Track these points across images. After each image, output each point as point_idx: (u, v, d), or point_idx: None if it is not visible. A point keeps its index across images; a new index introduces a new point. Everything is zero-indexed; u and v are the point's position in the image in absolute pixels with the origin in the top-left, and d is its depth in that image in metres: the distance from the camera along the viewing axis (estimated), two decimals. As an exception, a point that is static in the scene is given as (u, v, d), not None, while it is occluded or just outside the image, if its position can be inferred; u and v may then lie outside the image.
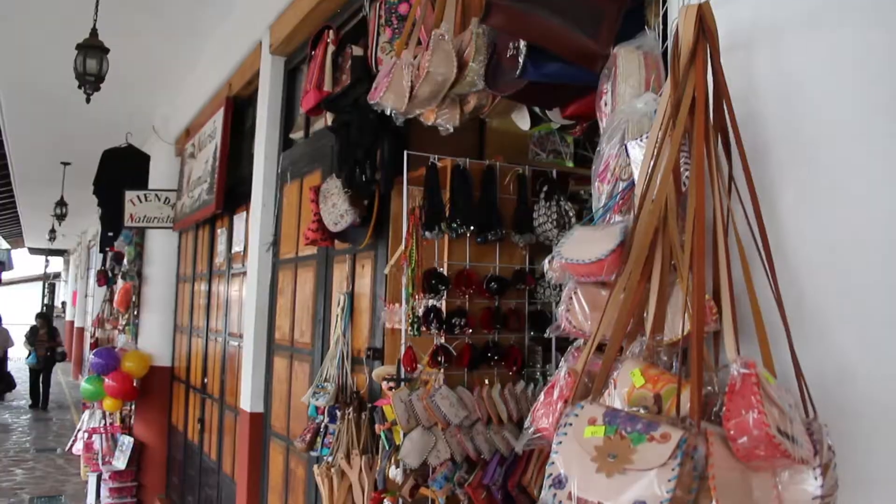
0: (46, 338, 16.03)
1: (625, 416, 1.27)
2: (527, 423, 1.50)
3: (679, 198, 1.52)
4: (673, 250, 1.48)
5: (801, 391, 1.44)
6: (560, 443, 1.29)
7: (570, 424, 1.30)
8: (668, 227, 1.49)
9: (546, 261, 1.66)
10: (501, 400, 3.12)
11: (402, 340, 3.05)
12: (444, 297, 3.10)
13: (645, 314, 1.50)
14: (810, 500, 1.31)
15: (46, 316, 17.73)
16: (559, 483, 1.25)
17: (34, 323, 16.56)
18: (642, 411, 1.32)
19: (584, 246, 1.56)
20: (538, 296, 3.32)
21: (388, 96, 2.82)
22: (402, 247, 3.07)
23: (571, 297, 1.60)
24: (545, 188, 3.32)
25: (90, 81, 5.17)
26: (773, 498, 1.32)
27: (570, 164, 3.93)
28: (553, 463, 1.28)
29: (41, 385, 15.24)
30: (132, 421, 8.35)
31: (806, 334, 1.49)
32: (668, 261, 1.49)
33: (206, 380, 6.79)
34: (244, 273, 5.59)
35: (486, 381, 3.15)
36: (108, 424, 8.40)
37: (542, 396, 1.49)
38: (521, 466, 3.15)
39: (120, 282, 8.66)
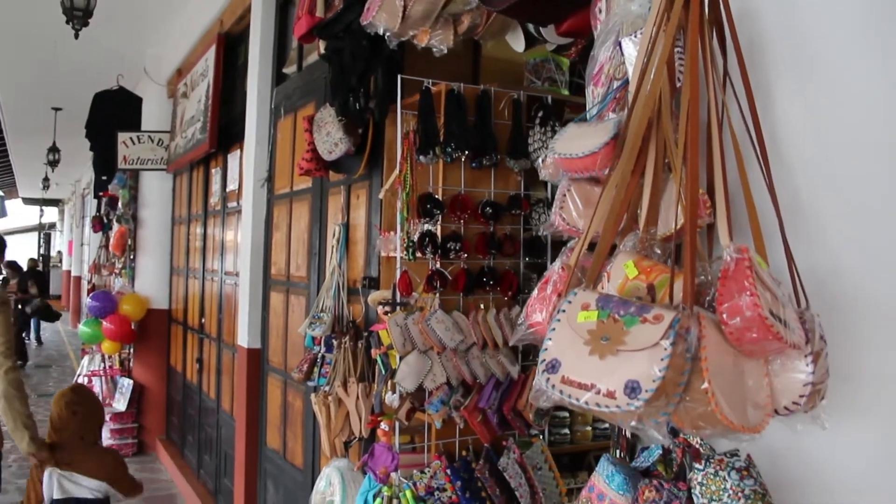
0: (17, 289, 13.66)
1: (618, 301, 1.27)
2: (520, 319, 1.50)
3: (674, 92, 1.51)
4: (667, 145, 1.47)
5: (793, 283, 1.44)
6: (553, 329, 1.30)
7: (564, 311, 1.31)
8: (662, 122, 1.48)
9: (539, 159, 1.65)
10: (497, 324, 3.13)
11: (398, 265, 3.04)
12: (439, 221, 3.09)
13: (638, 210, 1.49)
14: (801, 387, 1.32)
15: (15, 265, 14.99)
16: (552, 367, 1.26)
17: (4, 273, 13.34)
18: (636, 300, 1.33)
19: (577, 141, 1.55)
20: (533, 222, 3.32)
21: (380, 16, 2.78)
22: (397, 171, 3.05)
23: (565, 195, 1.60)
24: (540, 114, 3.29)
25: (78, 17, 5.10)
26: (764, 385, 1.33)
27: (566, 92, 3.89)
28: (546, 349, 1.29)
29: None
30: (131, 364, 8.40)
31: (799, 230, 1.49)
32: (661, 155, 1.48)
33: (203, 320, 6.82)
34: (239, 211, 5.58)
35: (482, 306, 3.16)
36: (107, 367, 8.46)
37: (535, 292, 1.50)
38: (517, 391, 3.18)
39: (115, 226, 8.64)
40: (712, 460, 1.41)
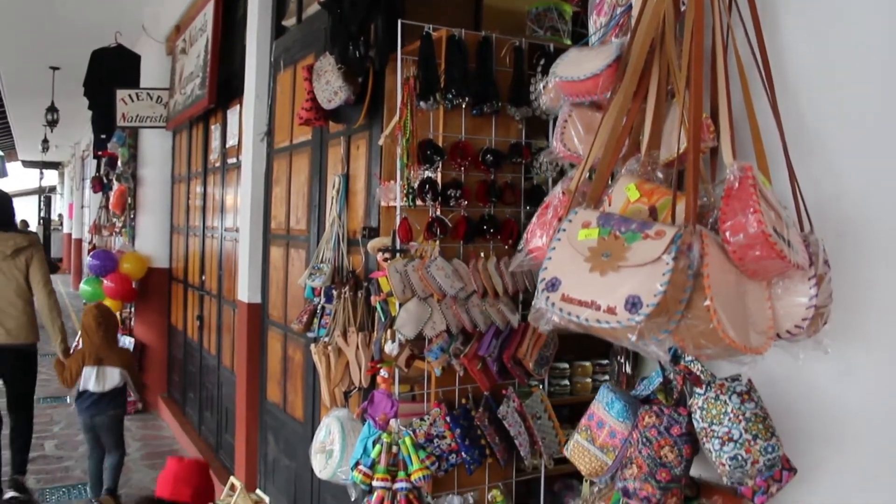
0: None
1: (619, 219, 1.25)
2: (520, 245, 1.49)
3: (678, 16, 1.48)
4: (670, 69, 1.44)
5: (797, 208, 1.42)
6: (553, 248, 1.28)
7: (564, 230, 1.29)
8: (665, 45, 1.45)
9: (541, 86, 1.62)
10: (497, 273, 3.12)
11: (398, 213, 3.02)
12: (440, 168, 3.06)
13: (641, 136, 1.47)
14: (804, 310, 1.31)
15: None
16: (552, 286, 1.24)
17: None
18: (637, 222, 1.31)
19: (578, 64, 1.52)
20: (534, 170, 3.29)
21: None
22: (397, 117, 3.02)
23: (566, 121, 1.57)
24: (542, 62, 3.24)
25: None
26: (766, 309, 1.31)
27: (568, 42, 3.84)
28: (546, 268, 1.27)
29: None
30: (132, 322, 8.42)
31: (804, 156, 1.47)
32: (664, 80, 1.46)
33: (203, 277, 6.82)
34: (239, 167, 5.54)
35: (482, 254, 3.14)
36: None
37: (535, 218, 1.48)
38: (517, 339, 3.18)
39: (115, 185, 8.60)
40: (713, 385, 1.40)
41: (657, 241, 1.18)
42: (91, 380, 4.98)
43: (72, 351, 5.34)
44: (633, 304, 1.14)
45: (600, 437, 1.50)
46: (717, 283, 1.18)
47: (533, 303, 1.28)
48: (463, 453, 3.05)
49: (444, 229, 3.05)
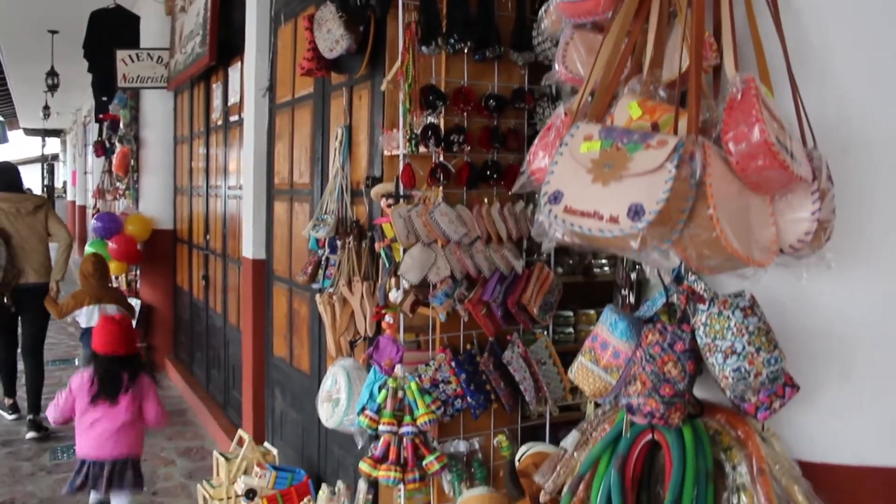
0: None
1: (621, 131, 1.25)
2: (523, 167, 1.49)
3: (681, -68, 1.46)
4: (673, -13, 1.43)
5: (800, 124, 1.41)
6: (556, 162, 1.28)
7: (566, 144, 1.29)
8: (668, -38, 1.43)
9: (542, 10, 1.61)
10: (501, 218, 3.11)
11: (400, 157, 3.02)
12: (442, 113, 3.05)
13: (643, 57, 1.46)
14: (807, 224, 1.31)
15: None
16: (555, 199, 1.24)
17: None
18: (640, 138, 1.30)
19: (580, -17, 1.51)
20: (537, 116, 3.27)
21: None
22: (399, 62, 3.00)
23: (567, 43, 1.56)
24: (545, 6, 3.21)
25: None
26: (769, 224, 1.32)
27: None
28: (548, 182, 1.27)
29: None
30: (138, 285, 8.45)
31: (808, 73, 1.46)
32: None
33: (208, 237, 6.83)
34: (241, 124, 5.53)
35: (485, 200, 3.14)
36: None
37: (538, 140, 1.47)
38: (521, 285, 3.18)
39: (118, 147, 8.58)
40: (716, 301, 1.41)
41: (659, 150, 1.18)
42: (94, 316, 5.80)
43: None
44: (635, 213, 1.14)
45: (604, 357, 1.52)
46: (719, 193, 1.18)
47: (535, 216, 1.28)
48: (468, 398, 3.08)
49: (448, 175, 3.04)
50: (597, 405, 1.79)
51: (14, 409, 6.56)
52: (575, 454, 1.64)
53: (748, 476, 1.45)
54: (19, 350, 6.46)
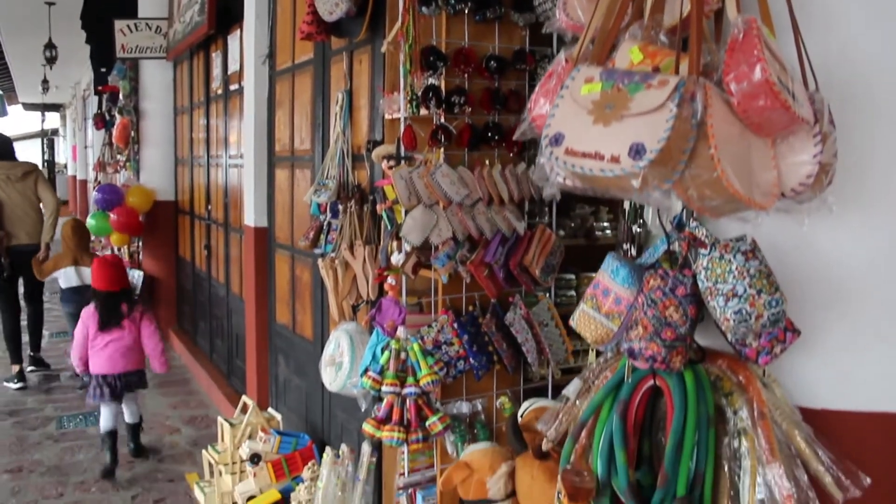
0: None
1: (622, 72, 1.25)
2: (524, 115, 1.49)
3: None
4: (675, -70, 1.42)
5: (802, 68, 1.41)
6: (557, 105, 1.28)
7: (567, 87, 1.29)
8: None
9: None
10: (502, 180, 3.11)
11: (401, 119, 3.01)
12: (443, 75, 3.04)
13: (644, 3, 1.45)
14: (809, 167, 1.31)
15: None
16: (556, 141, 1.24)
17: None
18: (641, 81, 1.30)
19: (581, -72, 1.50)
20: (538, 78, 3.25)
21: None
22: (399, 23, 2.98)
23: (568, -9, 1.55)
24: (545, -34, 3.18)
25: None
26: (771, 168, 1.32)
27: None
28: (549, 124, 1.27)
29: None
30: (140, 256, 8.46)
31: (810, 15, 1.45)
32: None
33: (209, 207, 6.83)
34: (242, 92, 5.51)
35: (487, 162, 3.13)
36: (116, 260, 8.53)
37: (539, 87, 1.47)
38: (523, 247, 3.18)
39: (118, 118, 8.56)
40: (717, 245, 1.41)
41: (660, 90, 1.17)
42: (72, 276, 6.38)
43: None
44: (636, 151, 1.14)
45: (606, 304, 1.52)
46: (720, 133, 1.18)
47: (536, 160, 1.28)
48: (471, 359, 3.09)
49: (449, 136, 3.04)
50: (598, 353, 1.80)
51: (20, 377, 6.81)
52: (577, 402, 1.66)
53: (749, 420, 1.46)
54: (22, 303, 7.04)
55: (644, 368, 1.49)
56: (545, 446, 1.72)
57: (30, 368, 7.00)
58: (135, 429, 5.18)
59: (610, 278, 1.52)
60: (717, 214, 1.29)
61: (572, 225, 3.77)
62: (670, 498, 1.44)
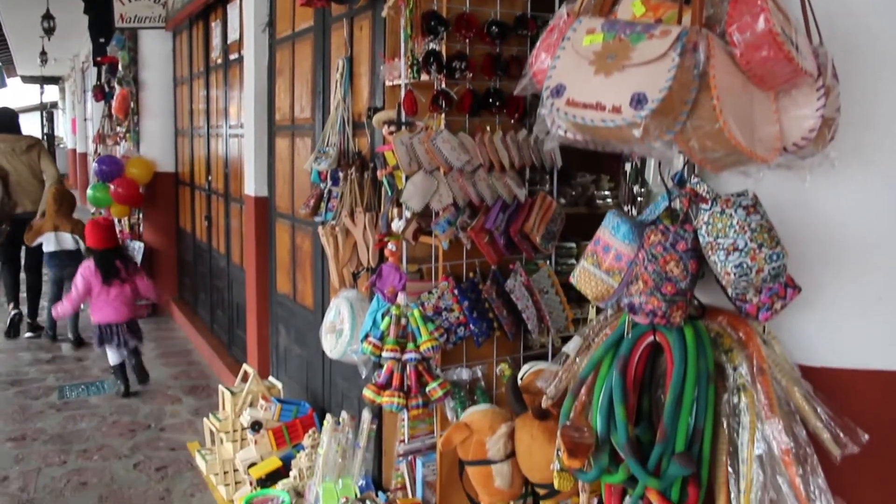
0: None
1: (624, 23, 1.24)
2: (525, 70, 1.47)
3: None
4: None
5: (806, 20, 1.39)
6: (558, 57, 1.27)
7: (568, 38, 1.28)
8: None
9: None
10: (503, 146, 3.10)
11: (402, 84, 2.99)
12: (444, 40, 3.01)
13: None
14: (811, 121, 1.30)
15: None
16: (557, 92, 1.23)
17: None
18: (643, 34, 1.29)
19: None
20: (540, 43, 3.23)
21: None
22: (399, -14, 2.96)
23: (571, -57, 1.53)
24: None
25: None
26: (773, 122, 1.31)
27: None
28: (550, 76, 1.26)
29: None
30: (141, 228, 8.46)
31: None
32: None
33: (210, 178, 6.82)
34: (241, 61, 5.47)
35: (488, 128, 3.12)
36: (117, 232, 8.52)
37: (540, 42, 1.46)
38: (524, 213, 3.17)
39: (117, 89, 8.51)
40: (719, 200, 1.41)
41: (662, 40, 1.17)
42: (51, 241, 6.83)
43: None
44: (638, 101, 1.14)
45: (606, 260, 1.52)
46: (723, 84, 1.17)
47: (538, 111, 1.27)
48: (471, 325, 3.09)
49: (450, 102, 3.02)
50: (598, 310, 1.80)
51: (17, 317, 7.51)
52: (577, 359, 1.66)
53: (748, 376, 1.46)
54: (22, 270, 7.58)
55: (644, 324, 1.49)
56: (544, 403, 1.72)
57: (27, 334, 7.40)
58: (137, 354, 5.84)
59: (611, 234, 1.52)
60: (718, 168, 1.28)
61: (573, 193, 3.75)
62: (669, 453, 1.45)
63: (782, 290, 1.43)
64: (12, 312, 7.48)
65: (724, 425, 1.51)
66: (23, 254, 7.49)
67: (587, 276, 1.56)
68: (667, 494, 1.48)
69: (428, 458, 3.29)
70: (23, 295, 7.58)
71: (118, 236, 6.03)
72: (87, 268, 5.58)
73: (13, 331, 7.40)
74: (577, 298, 3.93)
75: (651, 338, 1.50)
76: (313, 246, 4.36)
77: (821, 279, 1.52)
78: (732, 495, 1.51)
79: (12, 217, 7.15)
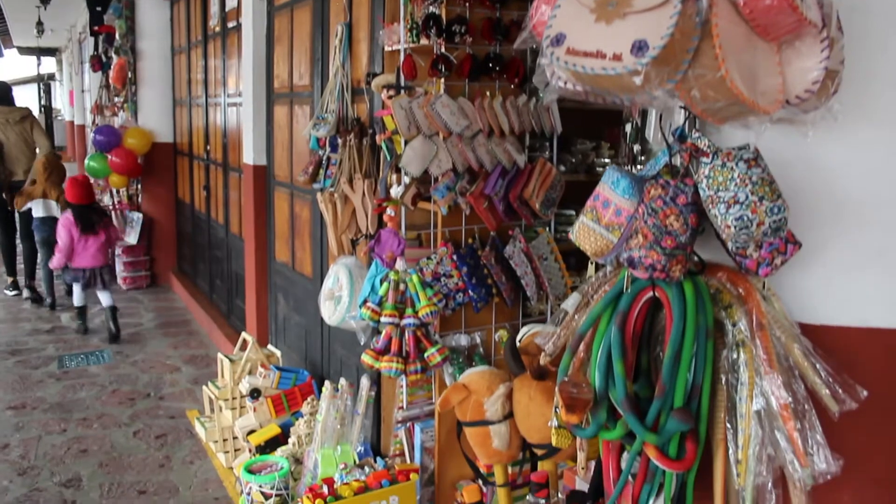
0: None
1: (627, -30, 1.22)
2: (524, 23, 1.46)
3: None
4: None
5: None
6: (559, 6, 1.25)
7: (570, -13, 1.26)
8: None
9: None
10: (503, 112, 3.08)
11: (401, 49, 2.97)
12: (444, 3, 2.98)
13: None
14: (815, 73, 1.29)
15: None
16: (557, 41, 1.22)
17: None
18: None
19: None
20: (541, 8, 3.20)
21: None
22: (398, -52, 2.93)
23: None
24: None
25: None
26: (776, 73, 1.29)
27: None
28: (550, 25, 1.25)
29: None
30: (139, 199, 8.44)
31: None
32: None
33: (208, 147, 6.79)
34: (240, 29, 5.43)
35: (487, 93, 3.10)
36: (116, 202, 8.50)
37: (541, -6, 1.44)
38: (523, 179, 3.16)
39: (114, 59, 8.45)
40: (720, 153, 1.39)
41: (665, -14, 1.15)
42: (40, 207, 7.15)
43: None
44: (639, 48, 1.12)
45: (606, 216, 1.51)
46: (725, 33, 1.15)
47: (537, 61, 1.26)
48: (470, 291, 3.09)
49: (449, 66, 3.00)
50: (598, 267, 1.80)
51: (14, 286, 7.92)
52: (575, 316, 1.65)
53: (748, 331, 1.46)
54: (17, 237, 7.91)
55: (643, 278, 1.48)
56: (542, 360, 1.72)
57: (25, 295, 7.77)
58: (113, 311, 6.39)
59: (610, 189, 1.51)
60: (720, 119, 1.27)
61: (573, 160, 3.74)
62: (667, 409, 1.45)
63: (783, 245, 1.42)
64: (9, 282, 7.92)
65: (723, 382, 1.51)
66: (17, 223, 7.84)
67: (586, 231, 1.55)
68: (665, 450, 1.48)
69: (426, 425, 3.30)
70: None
71: (94, 193, 6.59)
72: (66, 219, 6.23)
73: (14, 287, 7.89)
74: (576, 266, 3.94)
75: (650, 293, 1.49)
76: (312, 214, 4.34)
77: (822, 235, 1.51)
78: (730, 451, 1.51)
79: (9, 184, 7.52)
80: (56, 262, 6.33)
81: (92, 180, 8.58)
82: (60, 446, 4.41)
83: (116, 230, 6.83)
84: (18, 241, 7.90)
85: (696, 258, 1.54)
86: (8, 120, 7.55)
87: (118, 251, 8.05)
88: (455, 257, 3.10)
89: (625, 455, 1.56)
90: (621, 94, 1.22)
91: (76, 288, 6.44)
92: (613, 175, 1.51)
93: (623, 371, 1.46)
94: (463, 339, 3.27)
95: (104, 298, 6.40)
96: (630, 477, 1.54)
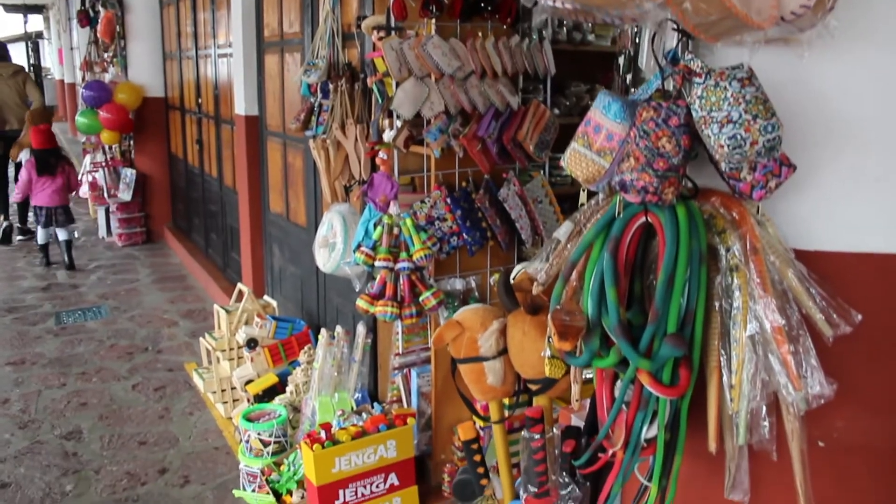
0: None
1: None
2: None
3: None
4: None
5: None
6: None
7: None
8: None
9: None
10: (495, 52, 3.03)
11: (392, -8, 2.91)
12: (434, -59, 2.92)
13: None
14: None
15: None
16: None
17: None
18: None
19: None
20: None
21: None
22: None
23: None
24: None
25: None
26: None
27: None
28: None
29: None
30: (132, 154, 8.38)
31: None
32: None
33: (199, 100, 6.72)
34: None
35: (479, 34, 3.05)
36: (108, 159, 8.44)
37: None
38: (517, 122, 3.13)
39: (102, 12, 8.33)
40: (713, 73, 1.37)
41: None
42: (28, 155, 7.41)
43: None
44: (629, -43, 1.09)
45: (597, 141, 1.49)
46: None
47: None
48: (464, 234, 3.08)
49: (440, 6, 2.95)
50: (590, 195, 1.78)
51: (24, 232, 8.46)
52: (568, 245, 1.64)
53: (741, 256, 1.44)
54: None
55: (636, 202, 1.46)
56: (535, 290, 1.70)
57: (18, 237, 8.40)
58: (68, 245, 7.18)
59: (601, 114, 1.48)
60: (713, 35, 1.24)
61: (567, 103, 3.71)
62: (661, 334, 1.44)
63: (777, 168, 1.40)
64: (4, 224, 8.40)
65: (717, 308, 1.50)
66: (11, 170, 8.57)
67: (578, 157, 1.53)
68: (658, 377, 1.47)
69: (423, 370, 3.32)
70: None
71: (56, 140, 7.30)
72: (28, 161, 7.10)
73: (6, 239, 8.27)
74: (570, 210, 3.91)
75: (643, 218, 1.47)
76: (305, 163, 4.31)
77: (816, 159, 1.49)
78: (724, 377, 1.51)
79: (2, 133, 8.18)
80: (15, 196, 7.47)
81: (84, 138, 8.70)
82: (60, 400, 4.42)
83: (76, 175, 7.53)
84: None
85: (688, 183, 1.52)
86: (1, 74, 8.17)
87: (112, 208, 8.02)
88: (449, 200, 3.08)
89: (618, 384, 1.55)
90: (611, 9, 1.19)
91: (39, 228, 7.21)
92: (605, 99, 1.48)
93: (616, 297, 1.45)
94: (458, 283, 3.26)
95: (60, 234, 7.12)
96: (623, 405, 1.54)
